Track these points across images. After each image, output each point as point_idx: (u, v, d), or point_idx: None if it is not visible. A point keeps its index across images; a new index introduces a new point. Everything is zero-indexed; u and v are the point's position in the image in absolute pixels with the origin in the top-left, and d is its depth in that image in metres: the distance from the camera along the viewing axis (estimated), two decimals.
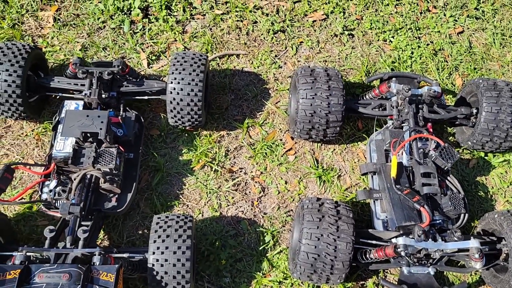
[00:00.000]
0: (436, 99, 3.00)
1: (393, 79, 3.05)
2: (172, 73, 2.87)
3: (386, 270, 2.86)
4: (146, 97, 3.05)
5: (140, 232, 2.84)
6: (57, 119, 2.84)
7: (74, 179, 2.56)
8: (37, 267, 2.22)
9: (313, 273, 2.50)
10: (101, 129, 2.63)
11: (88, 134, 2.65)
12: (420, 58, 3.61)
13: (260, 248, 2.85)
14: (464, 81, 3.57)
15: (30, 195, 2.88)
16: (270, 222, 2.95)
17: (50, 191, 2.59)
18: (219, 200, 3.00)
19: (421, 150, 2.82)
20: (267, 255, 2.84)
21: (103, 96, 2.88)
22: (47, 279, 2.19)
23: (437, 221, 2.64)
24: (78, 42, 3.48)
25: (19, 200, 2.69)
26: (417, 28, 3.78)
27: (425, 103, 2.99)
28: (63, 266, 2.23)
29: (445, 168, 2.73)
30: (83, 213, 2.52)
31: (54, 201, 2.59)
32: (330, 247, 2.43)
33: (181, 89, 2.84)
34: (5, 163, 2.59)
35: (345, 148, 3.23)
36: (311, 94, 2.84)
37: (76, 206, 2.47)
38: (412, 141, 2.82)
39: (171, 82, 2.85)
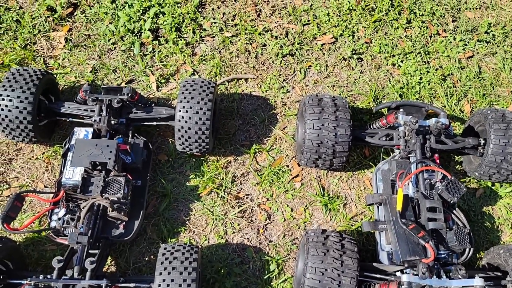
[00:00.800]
0: (444, 130, 3.00)
1: (401, 109, 3.06)
2: (181, 101, 2.90)
3: None
4: (154, 123, 3.09)
5: (146, 258, 2.88)
6: (67, 146, 2.89)
7: (83, 208, 2.60)
8: None
9: None
10: (109, 158, 2.67)
11: (97, 163, 2.69)
12: (429, 84, 3.61)
13: (265, 277, 2.87)
14: (472, 107, 3.56)
15: (39, 220, 2.92)
16: (275, 250, 2.97)
17: (59, 219, 2.63)
18: (225, 227, 3.02)
19: (427, 181, 2.82)
20: (271, 283, 2.86)
21: (112, 122, 2.91)
22: None
23: (442, 255, 2.64)
24: (88, 64, 3.52)
25: (28, 228, 2.72)
26: (427, 52, 3.78)
27: (433, 134, 2.99)
28: None
29: (451, 202, 2.74)
30: (90, 241, 2.56)
31: (62, 229, 2.63)
32: (334, 282, 2.44)
33: (190, 118, 2.87)
34: (15, 192, 2.63)
35: (352, 176, 3.24)
36: (318, 125, 2.86)
37: (84, 236, 2.51)
38: (419, 173, 2.82)
39: (180, 111, 2.88)
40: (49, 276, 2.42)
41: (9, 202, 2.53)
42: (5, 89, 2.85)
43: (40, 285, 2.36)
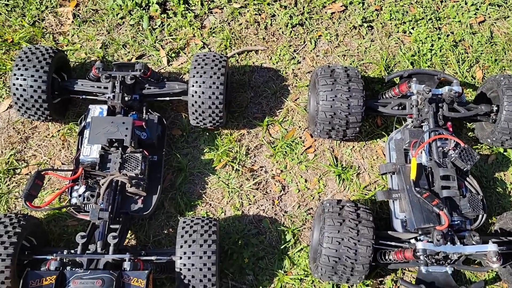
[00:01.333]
0: (457, 98, 3.00)
1: (413, 78, 3.05)
2: (194, 76, 2.90)
3: (404, 269, 2.93)
4: (168, 98, 3.10)
5: (165, 231, 2.95)
6: (83, 124, 2.91)
7: (102, 185, 2.64)
8: (71, 273, 2.33)
9: (334, 274, 2.59)
10: (126, 135, 2.70)
11: (114, 140, 2.72)
12: (440, 51, 3.58)
13: (282, 247, 2.94)
14: (484, 73, 3.54)
15: (59, 197, 2.98)
16: (291, 220, 3.03)
17: (79, 196, 2.69)
18: (241, 199, 3.08)
19: (440, 149, 2.84)
20: (288, 253, 2.93)
21: (126, 99, 2.93)
22: (82, 285, 2.31)
23: (455, 222, 2.69)
24: (98, 40, 3.51)
25: (50, 205, 2.78)
26: (438, 18, 3.73)
27: (445, 102, 2.99)
28: (96, 272, 2.35)
29: (464, 170, 2.76)
30: (111, 216, 2.62)
31: (83, 205, 2.69)
32: (351, 250, 2.50)
33: (203, 92, 2.88)
34: (35, 171, 2.67)
35: (364, 146, 3.26)
36: (331, 96, 2.86)
37: (105, 212, 2.57)
38: (432, 142, 2.84)
39: (193, 86, 2.89)
40: (73, 251, 2.49)
41: (30, 181, 2.58)
42: (19, 69, 2.86)
43: (64, 260, 2.43)
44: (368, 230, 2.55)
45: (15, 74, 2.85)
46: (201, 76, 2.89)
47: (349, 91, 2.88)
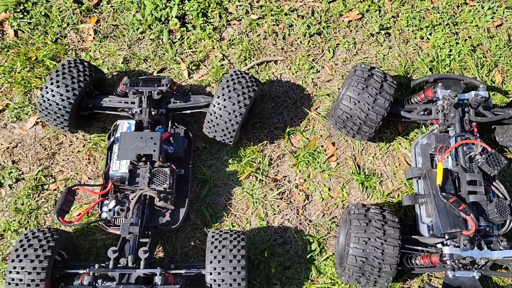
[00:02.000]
0: (484, 102, 3.01)
1: (439, 83, 3.07)
2: (219, 96, 2.92)
3: (430, 274, 2.94)
4: (192, 111, 3.15)
5: (192, 243, 2.99)
6: (111, 139, 2.97)
7: (132, 199, 2.69)
8: None
9: (361, 276, 2.61)
10: (154, 150, 2.75)
11: (142, 155, 2.77)
12: (459, 56, 3.59)
13: (308, 256, 2.96)
14: (503, 77, 3.54)
15: (87, 213, 3.03)
16: (316, 229, 3.05)
17: (110, 210, 2.74)
18: (265, 209, 3.11)
19: (467, 153, 2.85)
20: (314, 262, 2.96)
21: (153, 113, 2.98)
22: None
23: (482, 227, 2.69)
24: (119, 55, 3.57)
25: (80, 220, 2.84)
26: (455, 23, 3.75)
27: (471, 107, 3.00)
28: (128, 287, 2.40)
29: (491, 175, 2.77)
30: (141, 230, 2.66)
31: (113, 219, 2.74)
32: (378, 250, 2.52)
33: (225, 107, 2.90)
34: (67, 187, 2.73)
35: (386, 153, 3.28)
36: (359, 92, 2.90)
37: (135, 226, 2.61)
38: (458, 147, 2.85)
39: (214, 106, 2.91)
40: (104, 265, 2.54)
41: (62, 197, 2.63)
42: (57, 81, 2.92)
43: (96, 274, 2.48)
44: (394, 230, 2.57)
45: (51, 83, 2.91)
46: (225, 100, 2.91)
47: (381, 89, 2.92)
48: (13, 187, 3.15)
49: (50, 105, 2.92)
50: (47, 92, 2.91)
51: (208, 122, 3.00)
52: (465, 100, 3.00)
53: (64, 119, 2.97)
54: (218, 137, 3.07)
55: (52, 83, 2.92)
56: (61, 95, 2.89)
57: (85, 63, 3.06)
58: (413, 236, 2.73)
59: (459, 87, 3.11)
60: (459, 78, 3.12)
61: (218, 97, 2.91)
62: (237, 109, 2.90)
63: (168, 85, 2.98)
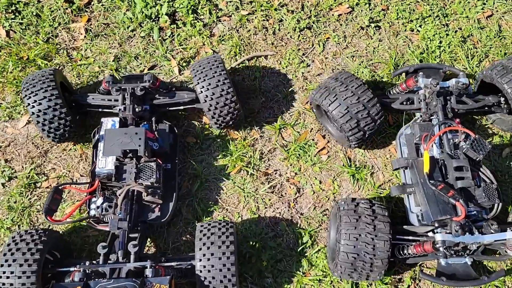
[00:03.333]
0: (464, 89, 3.01)
1: (420, 72, 3.08)
2: (198, 82, 2.96)
3: (422, 263, 2.94)
4: (181, 107, 3.16)
5: (184, 238, 3.00)
6: (96, 137, 2.98)
7: (119, 195, 2.70)
8: (95, 283, 2.39)
9: (354, 271, 2.62)
10: (140, 145, 2.76)
11: (128, 151, 2.78)
12: (449, 47, 3.59)
13: (299, 248, 2.97)
14: None
15: (79, 208, 3.05)
16: (307, 222, 3.06)
17: (98, 207, 2.75)
18: (257, 203, 3.11)
19: (451, 141, 2.85)
20: (306, 254, 2.96)
21: (137, 110, 2.99)
22: None
23: (472, 212, 2.69)
24: (110, 53, 3.59)
25: (70, 218, 2.85)
26: (445, 15, 3.75)
27: (453, 95, 3.01)
28: (119, 281, 2.40)
29: (477, 160, 2.77)
30: (130, 225, 2.68)
31: (102, 216, 2.75)
32: (369, 246, 2.53)
33: (213, 93, 2.92)
34: (54, 186, 2.75)
35: (377, 145, 3.28)
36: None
37: (123, 222, 2.63)
38: (443, 134, 2.85)
39: (201, 92, 2.94)
40: (95, 262, 2.55)
41: (49, 196, 2.65)
42: (29, 97, 2.93)
43: (87, 270, 2.49)
44: (385, 224, 2.57)
45: (28, 104, 2.91)
46: (204, 80, 2.95)
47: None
48: (6, 186, 3.17)
49: (45, 113, 2.93)
50: (33, 106, 2.91)
51: (213, 117, 3.03)
52: (447, 88, 3.01)
53: (65, 119, 2.97)
54: (230, 121, 3.11)
55: (29, 97, 2.91)
56: (44, 97, 2.91)
57: (42, 70, 3.04)
58: (404, 226, 2.73)
59: (439, 76, 3.13)
60: (439, 66, 3.15)
61: (201, 92, 2.94)
62: (223, 86, 2.95)
63: (151, 81, 3.00)
